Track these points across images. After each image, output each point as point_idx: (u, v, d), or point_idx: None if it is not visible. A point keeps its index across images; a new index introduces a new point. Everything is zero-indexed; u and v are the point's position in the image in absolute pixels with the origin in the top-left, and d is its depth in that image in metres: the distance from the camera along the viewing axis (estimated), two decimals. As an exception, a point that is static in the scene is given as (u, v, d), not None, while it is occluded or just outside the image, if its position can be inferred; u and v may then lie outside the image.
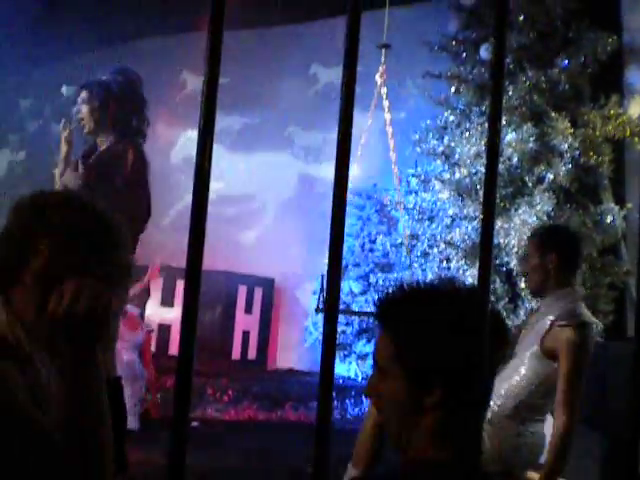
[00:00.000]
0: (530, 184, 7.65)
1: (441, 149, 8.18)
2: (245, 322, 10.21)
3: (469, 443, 1.54)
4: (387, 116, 8.44)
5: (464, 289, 1.86)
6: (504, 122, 7.54)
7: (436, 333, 1.77)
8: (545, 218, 7.30)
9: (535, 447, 3.84)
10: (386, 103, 8.45)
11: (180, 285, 9.25)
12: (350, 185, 0.97)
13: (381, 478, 2.00)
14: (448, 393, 1.75)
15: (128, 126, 5.81)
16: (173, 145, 12.22)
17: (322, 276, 7.91)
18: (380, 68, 8.48)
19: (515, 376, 3.86)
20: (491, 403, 3.84)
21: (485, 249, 1.01)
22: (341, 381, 9.36)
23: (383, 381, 1.83)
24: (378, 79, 8.47)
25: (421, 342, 1.78)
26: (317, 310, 8.26)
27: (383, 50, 8.55)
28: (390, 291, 1.88)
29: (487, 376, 1.27)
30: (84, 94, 5.86)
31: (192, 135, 11.45)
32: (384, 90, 8.44)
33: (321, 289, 8.04)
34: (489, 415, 3.80)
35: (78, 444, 1.83)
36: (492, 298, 7.21)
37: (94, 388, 1.87)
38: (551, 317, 3.83)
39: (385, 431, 1.93)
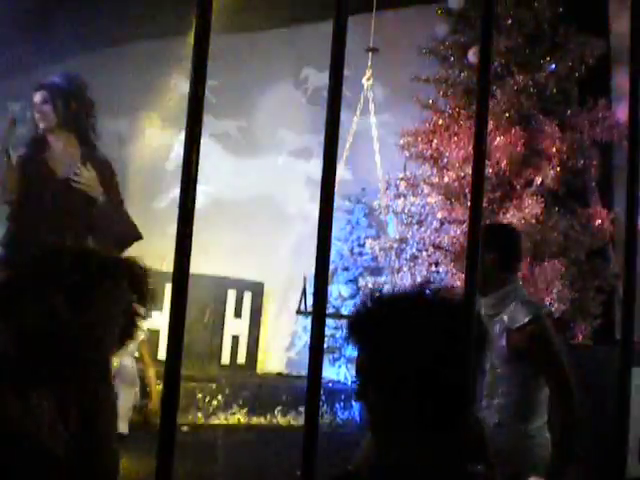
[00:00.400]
0: (518, 187, 7.66)
1: (430, 153, 8.19)
2: (234, 326, 10.19)
3: (452, 448, 1.56)
4: (373, 120, 8.45)
5: (433, 295, 1.89)
6: (492, 126, 7.55)
7: (409, 341, 1.79)
8: (533, 221, 7.31)
9: (547, 444, 3.86)
10: (372, 107, 8.45)
11: (169, 289, 9.21)
12: (339, 189, 0.97)
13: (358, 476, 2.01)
14: (426, 400, 1.77)
15: (86, 125, 5.85)
16: (164, 149, 12.19)
17: (304, 278, 7.89)
18: (367, 72, 8.49)
19: (503, 379, 3.88)
20: (494, 403, 3.87)
21: (471, 253, 1.01)
22: (330, 385, 9.36)
23: (368, 388, 1.87)
24: (365, 82, 8.48)
25: (394, 352, 1.81)
26: (298, 312, 8.23)
27: (370, 54, 8.56)
28: (359, 307, 1.92)
29: (469, 380, 1.27)
30: (44, 93, 5.84)
31: (181, 139, 11.42)
32: (371, 94, 8.45)
33: (303, 291, 8.00)
34: (496, 419, 3.82)
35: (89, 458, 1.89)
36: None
37: (107, 406, 1.94)
38: (505, 322, 3.85)
39: (372, 432, 1.96)
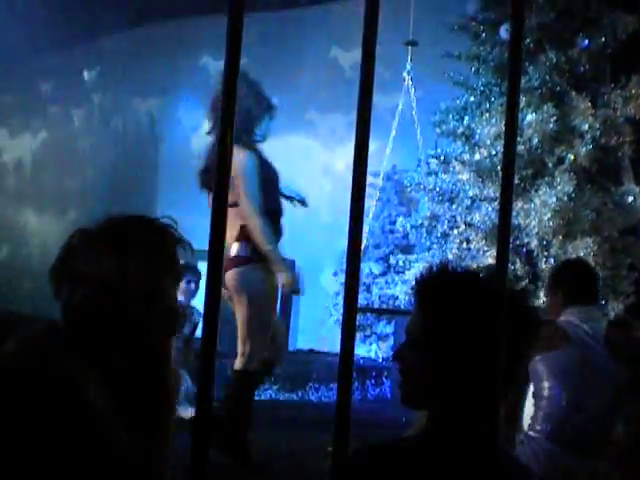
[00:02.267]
0: (550, 165, 7.62)
1: (461, 130, 8.15)
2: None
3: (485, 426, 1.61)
4: (414, 107, 8.45)
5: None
6: (524, 102, 7.51)
7: (467, 318, 1.81)
8: (565, 199, 7.27)
9: None
10: (413, 98, 8.47)
11: (201, 267, 9.26)
12: (370, 167, 0.98)
13: (380, 447, 2.03)
14: (467, 375, 1.79)
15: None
16: (195, 130, 12.22)
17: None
18: (407, 65, 8.48)
19: None
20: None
21: (503, 231, 1.02)
22: (362, 362, 9.38)
23: (410, 351, 1.90)
24: (406, 76, 8.49)
25: (452, 325, 1.82)
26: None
27: (410, 48, 8.54)
28: (432, 269, 1.94)
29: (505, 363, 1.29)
30: None
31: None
32: (412, 88, 8.46)
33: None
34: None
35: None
36: (512, 278, 7.20)
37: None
38: None
39: (401, 391, 1.98)
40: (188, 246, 2.11)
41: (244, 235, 5.29)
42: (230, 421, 5.30)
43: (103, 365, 1.96)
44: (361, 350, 9.86)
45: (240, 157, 5.32)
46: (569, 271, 4.27)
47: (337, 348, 1.00)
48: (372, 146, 0.99)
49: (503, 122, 7.53)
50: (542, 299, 7.22)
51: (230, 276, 5.25)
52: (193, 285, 7.78)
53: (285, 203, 5.81)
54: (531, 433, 3.67)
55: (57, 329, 1.98)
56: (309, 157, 11.59)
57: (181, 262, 2.12)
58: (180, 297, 7.59)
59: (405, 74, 8.57)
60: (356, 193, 0.97)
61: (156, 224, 2.07)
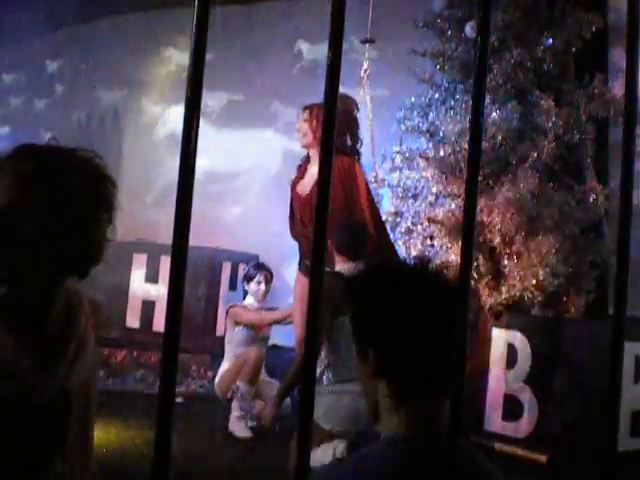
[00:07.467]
0: (514, 162, 7.66)
1: (425, 127, 8.16)
2: (229, 298, 10.19)
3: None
4: (370, 113, 8.46)
5: (433, 271, 1.91)
6: (488, 100, 7.54)
7: (401, 306, 1.82)
8: (528, 196, 7.31)
9: None
10: (368, 98, 8.46)
11: (164, 261, 9.24)
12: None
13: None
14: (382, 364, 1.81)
15: (344, 144, 6.42)
16: (158, 122, 12.17)
17: None
18: (365, 64, 8.48)
19: None
20: None
21: (468, 227, 1.02)
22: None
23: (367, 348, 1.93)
24: (362, 74, 8.49)
25: (381, 314, 1.84)
26: None
27: (367, 45, 8.55)
28: (363, 270, 2.00)
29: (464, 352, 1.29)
30: (306, 114, 6.63)
31: (177, 111, 11.42)
32: (368, 85, 8.47)
33: None
34: None
35: None
36: (474, 275, 7.25)
37: None
38: None
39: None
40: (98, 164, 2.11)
41: None
42: None
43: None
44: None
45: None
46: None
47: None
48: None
49: (467, 119, 7.56)
50: (504, 295, 7.27)
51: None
52: (263, 286, 7.87)
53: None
54: None
55: None
56: (273, 150, 11.56)
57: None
58: (250, 299, 7.70)
59: (362, 72, 8.57)
60: (323, 187, 0.96)
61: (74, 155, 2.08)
